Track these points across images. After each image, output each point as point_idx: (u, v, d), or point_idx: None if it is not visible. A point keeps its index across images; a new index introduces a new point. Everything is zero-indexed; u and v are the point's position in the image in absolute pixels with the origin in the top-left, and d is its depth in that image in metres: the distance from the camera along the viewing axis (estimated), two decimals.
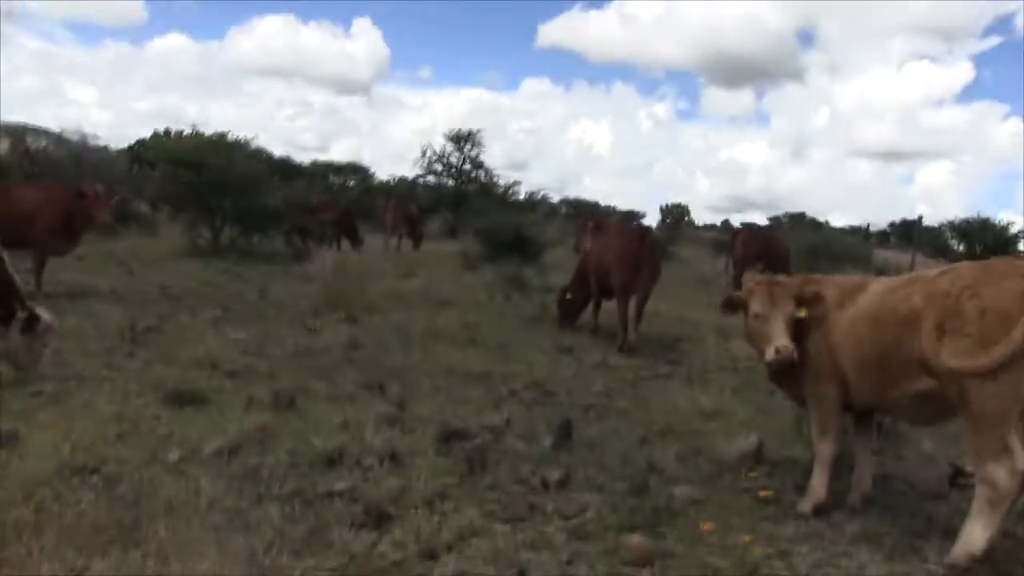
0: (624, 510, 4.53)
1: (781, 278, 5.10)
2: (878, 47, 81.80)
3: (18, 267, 7.00)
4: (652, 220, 48.38)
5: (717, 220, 56.08)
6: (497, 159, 33.91)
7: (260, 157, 22.76)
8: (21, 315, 6.28)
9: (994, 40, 73.99)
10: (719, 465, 5.50)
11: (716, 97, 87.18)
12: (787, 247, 17.51)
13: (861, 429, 4.97)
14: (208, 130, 21.32)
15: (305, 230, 18.85)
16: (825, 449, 4.78)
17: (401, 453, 5.10)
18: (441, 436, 5.43)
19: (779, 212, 55.07)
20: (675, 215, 55.35)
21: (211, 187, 17.05)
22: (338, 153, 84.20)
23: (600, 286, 10.71)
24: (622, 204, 53.97)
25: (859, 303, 4.57)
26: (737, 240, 17.31)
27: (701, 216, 58.93)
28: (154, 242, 18.65)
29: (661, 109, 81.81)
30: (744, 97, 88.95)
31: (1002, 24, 77.54)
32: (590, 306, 11.18)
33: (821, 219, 48.80)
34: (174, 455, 4.87)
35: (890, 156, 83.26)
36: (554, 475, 4.88)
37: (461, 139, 34.77)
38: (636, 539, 4.01)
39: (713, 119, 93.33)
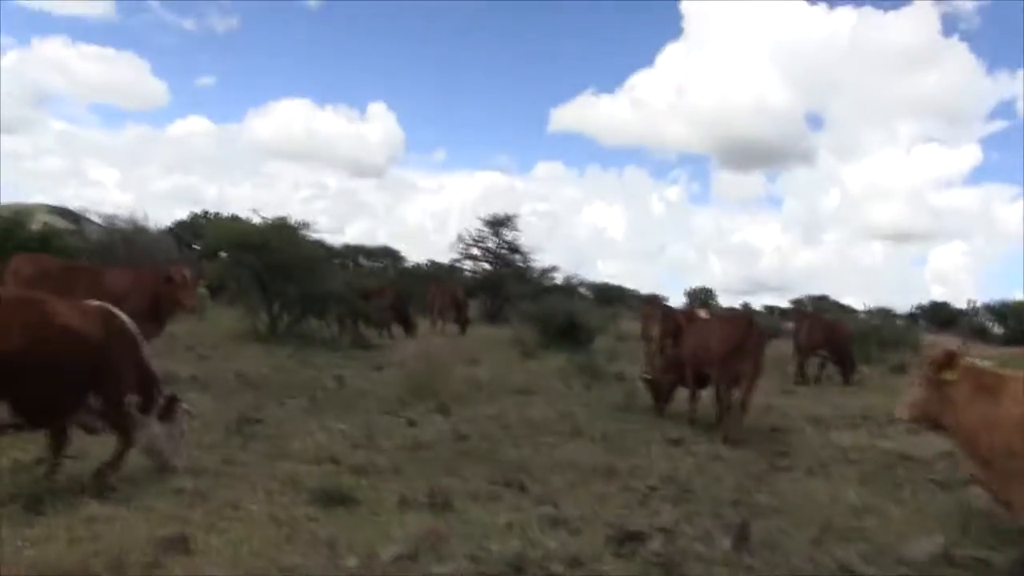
0: None
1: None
2: (886, 129, 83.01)
3: None
4: (677, 303, 48.02)
5: (734, 303, 55.65)
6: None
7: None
8: (160, 401, 6.11)
9: (998, 124, 75.50)
10: (911, 568, 5.28)
11: (727, 180, 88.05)
12: (851, 334, 17.18)
13: None
14: (227, 211, 21.14)
15: (362, 315, 18.69)
16: None
17: (583, 558, 4.86)
18: (617, 539, 5.18)
19: (796, 295, 55.20)
20: (702, 298, 55.05)
21: (276, 271, 16.85)
22: (352, 235, 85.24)
23: (697, 375, 10.47)
24: (639, 287, 53.67)
25: None
26: (802, 327, 17.01)
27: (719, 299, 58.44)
28: (208, 326, 18.47)
29: (673, 192, 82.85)
30: (755, 180, 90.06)
31: (1005, 108, 78.84)
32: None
33: (841, 301, 48.52)
34: (351, 561, 4.65)
35: (902, 238, 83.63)
36: None
37: (498, 223, 34.78)
38: None
39: (725, 202, 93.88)
